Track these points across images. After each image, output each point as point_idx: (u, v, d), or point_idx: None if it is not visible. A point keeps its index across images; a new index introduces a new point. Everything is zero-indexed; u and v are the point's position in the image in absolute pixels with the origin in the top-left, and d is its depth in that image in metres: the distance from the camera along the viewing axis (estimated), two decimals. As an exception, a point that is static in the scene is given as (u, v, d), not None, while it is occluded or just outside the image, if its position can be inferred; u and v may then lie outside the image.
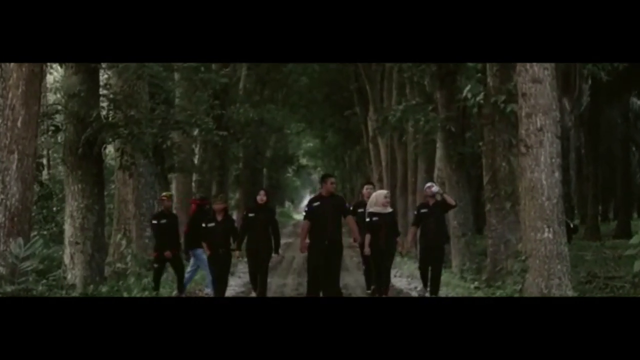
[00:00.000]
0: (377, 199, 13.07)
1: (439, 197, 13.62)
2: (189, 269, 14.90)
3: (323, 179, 12.98)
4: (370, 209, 12.98)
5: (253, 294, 13.52)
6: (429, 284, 13.64)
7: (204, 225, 13.17)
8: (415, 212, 14.10)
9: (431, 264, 13.58)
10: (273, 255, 13.19)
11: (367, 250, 12.86)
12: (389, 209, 13.15)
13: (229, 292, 14.45)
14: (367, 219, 12.89)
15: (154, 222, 14.40)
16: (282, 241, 14.69)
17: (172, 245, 14.09)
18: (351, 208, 14.10)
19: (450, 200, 13.91)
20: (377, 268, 13.05)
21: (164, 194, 15.39)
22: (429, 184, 14.13)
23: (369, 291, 14.27)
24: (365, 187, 14.65)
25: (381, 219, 12.81)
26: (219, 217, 13.12)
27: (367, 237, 12.82)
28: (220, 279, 13.15)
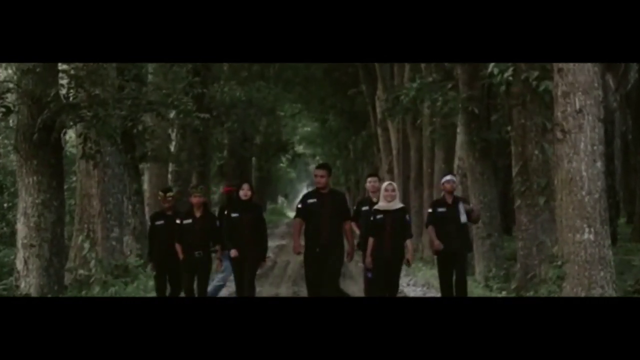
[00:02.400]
0: (381, 192, 12.63)
1: (466, 210, 13.15)
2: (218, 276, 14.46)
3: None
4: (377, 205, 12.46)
5: None
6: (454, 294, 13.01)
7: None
8: (430, 210, 13.45)
9: (452, 274, 13.12)
10: (261, 264, 13.06)
11: (368, 261, 12.44)
12: (398, 205, 12.47)
13: (224, 292, 14.70)
14: (371, 218, 12.48)
15: (150, 223, 14.09)
16: (275, 243, 14.74)
17: (164, 251, 13.31)
18: (354, 207, 13.98)
19: (476, 216, 13.74)
20: (381, 280, 12.51)
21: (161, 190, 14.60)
22: (448, 177, 13.66)
23: None
24: (369, 179, 14.05)
25: (386, 217, 12.30)
26: (198, 214, 12.98)
27: (370, 242, 12.39)
28: (198, 289, 13.08)
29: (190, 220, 12.94)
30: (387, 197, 12.33)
